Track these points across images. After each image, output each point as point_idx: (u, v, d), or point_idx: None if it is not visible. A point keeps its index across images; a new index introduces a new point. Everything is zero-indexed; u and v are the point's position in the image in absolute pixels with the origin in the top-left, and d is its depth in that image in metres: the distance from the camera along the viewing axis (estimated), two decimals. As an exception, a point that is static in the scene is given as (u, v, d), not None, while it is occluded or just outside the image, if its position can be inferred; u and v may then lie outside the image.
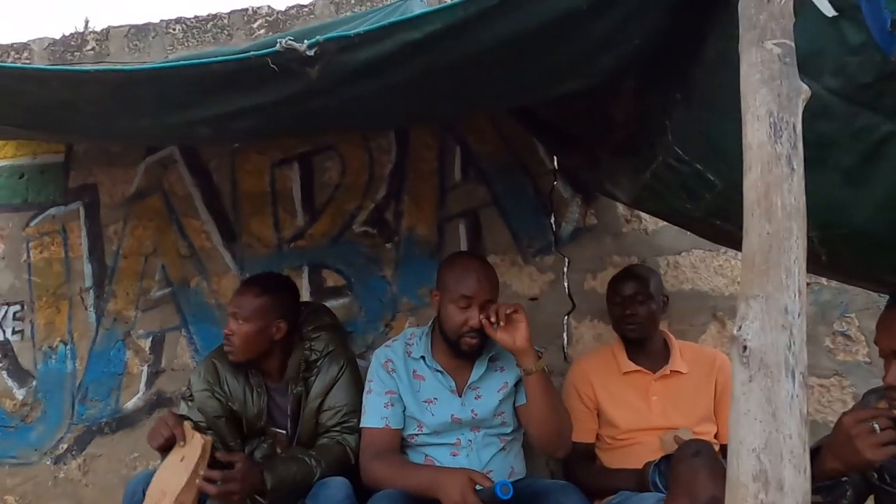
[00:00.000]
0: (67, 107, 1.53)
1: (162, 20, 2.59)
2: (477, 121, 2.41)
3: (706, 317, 2.29)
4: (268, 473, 1.61)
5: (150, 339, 2.50)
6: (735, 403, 0.77)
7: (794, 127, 0.84)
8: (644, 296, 1.89)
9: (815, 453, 1.20)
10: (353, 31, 1.12)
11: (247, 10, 2.55)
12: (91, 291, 2.54)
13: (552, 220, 2.38)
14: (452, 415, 1.74)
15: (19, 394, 2.54)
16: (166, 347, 2.49)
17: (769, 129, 0.83)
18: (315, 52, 1.10)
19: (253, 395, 1.85)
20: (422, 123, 2.35)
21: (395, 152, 2.46)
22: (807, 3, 0.97)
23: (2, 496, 2.51)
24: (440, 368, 1.78)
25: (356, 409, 1.82)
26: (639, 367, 1.91)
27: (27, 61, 2.62)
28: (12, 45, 2.69)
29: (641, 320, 1.88)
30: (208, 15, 2.58)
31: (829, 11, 0.96)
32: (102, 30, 2.65)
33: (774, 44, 0.86)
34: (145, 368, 2.49)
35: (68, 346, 2.53)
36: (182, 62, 1.30)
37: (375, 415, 1.74)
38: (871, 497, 1.47)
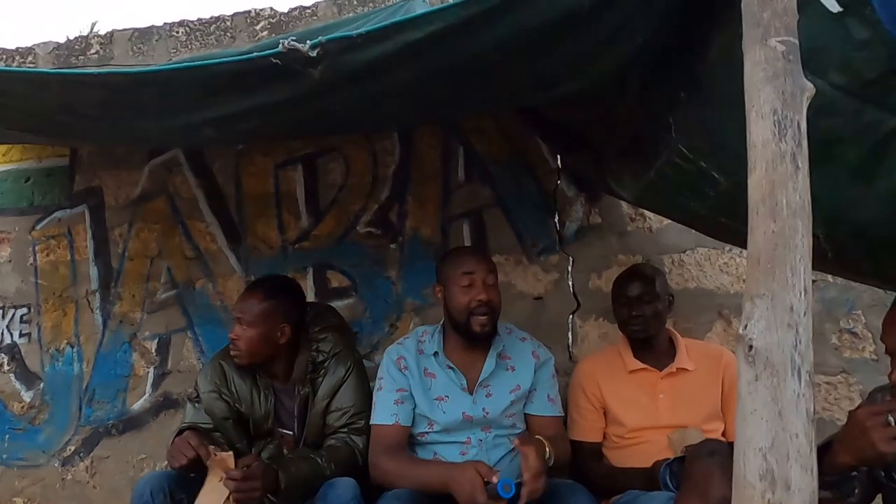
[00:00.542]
0: (72, 110, 1.54)
1: (165, 23, 2.60)
2: (480, 121, 2.41)
3: (711, 315, 2.28)
4: (282, 473, 1.62)
5: (157, 340, 2.51)
6: (741, 403, 0.77)
7: (798, 125, 0.83)
8: (650, 296, 1.89)
9: (826, 448, 1.20)
10: (355, 32, 1.12)
11: (249, 12, 2.56)
12: (97, 294, 2.56)
13: (556, 219, 2.38)
14: (464, 412, 1.74)
15: (27, 396, 2.56)
16: (172, 349, 2.50)
17: (774, 127, 0.83)
18: (318, 53, 1.10)
19: (260, 396, 1.86)
20: (425, 124, 2.36)
21: (398, 153, 2.46)
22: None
23: (10, 498, 2.53)
24: (452, 365, 1.78)
25: (363, 411, 1.82)
26: (645, 366, 1.90)
27: (32, 65, 2.64)
28: (17, 49, 2.70)
29: (648, 320, 1.88)
30: (211, 17, 2.59)
31: (835, 7, 0.95)
32: (106, 33, 2.66)
33: (778, 41, 0.85)
34: (151, 370, 2.50)
35: (75, 349, 2.55)
36: (185, 64, 1.30)
37: (385, 411, 1.74)
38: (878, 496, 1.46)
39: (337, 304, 2.35)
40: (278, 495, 1.64)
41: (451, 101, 1.57)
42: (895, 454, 1.14)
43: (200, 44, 2.56)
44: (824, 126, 1.03)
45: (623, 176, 1.76)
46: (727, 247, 2.27)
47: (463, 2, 1.07)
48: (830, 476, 1.22)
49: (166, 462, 1.79)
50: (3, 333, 2.60)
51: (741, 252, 2.23)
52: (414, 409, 1.76)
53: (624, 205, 2.33)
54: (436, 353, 1.80)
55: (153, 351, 2.51)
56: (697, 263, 2.32)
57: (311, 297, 2.40)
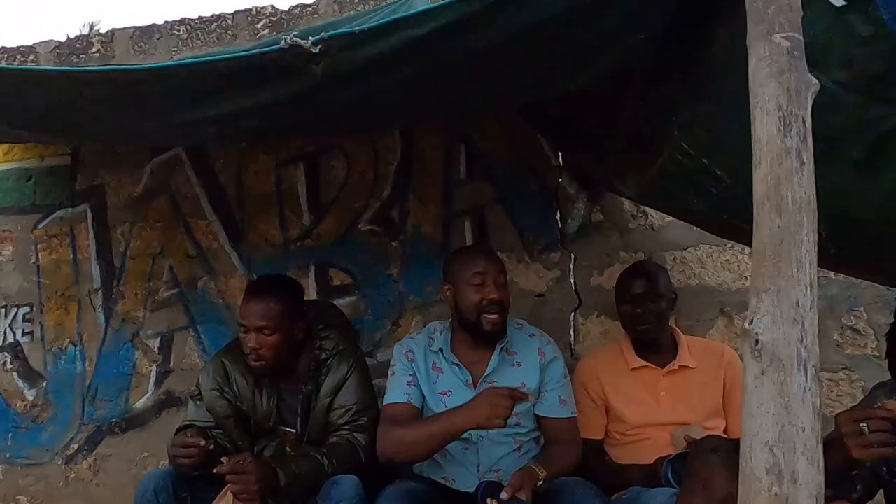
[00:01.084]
0: (74, 108, 1.54)
1: (166, 22, 2.60)
2: (482, 119, 2.40)
3: (714, 312, 2.28)
4: (281, 471, 1.62)
5: (159, 339, 2.52)
6: (747, 397, 0.77)
7: (803, 120, 0.83)
8: (654, 294, 1.88)
9: (825, 447, 1.21)
10: (357, 28, 1.12)
11: (251, 10, 2.56)
12: (99, 293, 2.56)
13: (558, 216, 2.38)
14: None
15: (30, 395, 2.57)
16: (175, 347, 2.51)
17: (778, 123, 0.83)
18: (320, 49, 1.10)
19: (262, 394, 1.86)
20: (428, 121, 2.35)
21: (400, 151, 2.46)
22: (814, -5, 0.96)
23: (14, 496, 2.53)
24: (457, 362, 1.79)
25: (366, 408, 1.83)
26: (647, 363, 1.91)
27: (33, 64, 2.64)
28: (18, 48, 2.70)
29: (651, 318, 1.87)
30: (212, 16, 2.59)
31: (838, 1, 0.95)
32: (107, 32, 2.66)
33: (783, 37, 0.85)
34: (154, 368, 2.51)
35: (77, 347, 2.55)
36: (188, 61, 1.30)
37: (398, 391, 1.75)
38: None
39: (339, 301, 2.36)
40: (279, 493, 1.64)
41: (454, 98, 1.57)
42: (870, 460, 1.17)
43: (201, 42, 2.56)
44: (828, 122, 1.02)
45: (625, 173, 1.76)
46: (729, 244, 2.27)
47: (465, -2, 1.06)
48: (830, 474, 1.23)
49: (168, 460, 1.80)
50: (5, 332, 2.60)
51: (743, 249, 2.23)
52: (423, 396, 1.77)
53: (626, 202, 2.33)
54: (441, 350, 1.81)
55: (155, 349, 2.52)
56: (699, 260, 2.32)
57: (313, 294, 2.41)
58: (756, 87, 0.87)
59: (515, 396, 1.55)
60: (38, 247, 2.62)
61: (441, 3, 1.08)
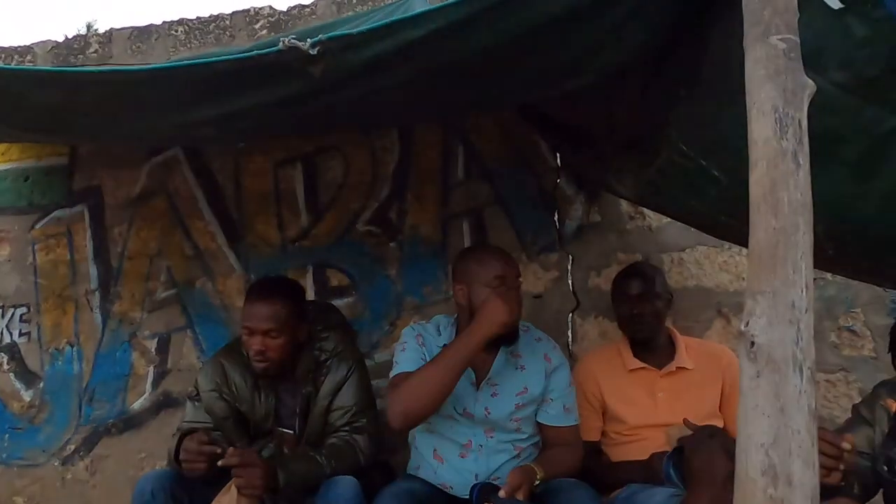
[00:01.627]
0: (71, 108, 1.54)
1: (164, 22, 2.60)
2: (480, 119, 2.41)
3: (711, 313, 2.29)
4: (281, 471, 1.61)
5: (156, 339, 2.51)
6: (743, 399, 0.77)
7: (799, 122, 0.83)
8: (650, 294, 1.89)
9: None
10: (355, 30, 1.12)
11: (249, 10, 2.56)
12: (97, 293, 2.55)
13: (556, 217, 2.38)
14: (465, 408, 1.72)
15: (26, 395, 2.56)
16: (172, 348, 2.50)
17: (775, 125, 0.83)
18: (318, 51, 1.10)
19: (261, 395, 1.85)
20: (426, 122, 2.36)
21: (398, 151, 2.46)
22: (811, -3, 0.97)
23: (10, 497, 2.53)
24: None
25: (365, 409, 1.83)
26: (644, 364, 1.91)
27: (31, 64, 2.63)
28: (16, 48, 2.70)
29: (648, 319, 1.88)
30: (210, 16, 2.59)
31: (835, 4, 0.95)
32: (105, 32, 2.66)
33: (779, 39, 0.85)
34: (151, 369, 2.50)
35: (75, 348, 2.54)
36: (185, 62, 1.30)
37: (409, 362, 1.69)
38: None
39: (337, 302, 2.35)
40: (278, 493, 1.64)
41: (451, 98, 1.58)
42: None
43: (199, 42, 2.56)
44: (824, 124, 1.03)
45: (623, 174, 1.76)
46: (727, 245, 2.27)
47: (463, 0, 1.07)
48: None
49: (166, 461, 1.79)
50: (2, 333, 2.59)
51: (741, 250, 2.23)
52: None
53: (623, 203, 2.33)
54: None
55: (153, 350, 2.51)
56: (697, 262, 2.32)
57: (311, 295, 2.40)
58: (752, 88, 0.87)
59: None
60: (36, 247, 2.61)
61: (438, 5, 1.09)
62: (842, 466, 1.20)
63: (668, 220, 2.25)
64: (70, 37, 2.68)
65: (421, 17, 1.10)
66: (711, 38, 1.16)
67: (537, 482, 1.58)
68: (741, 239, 1.14)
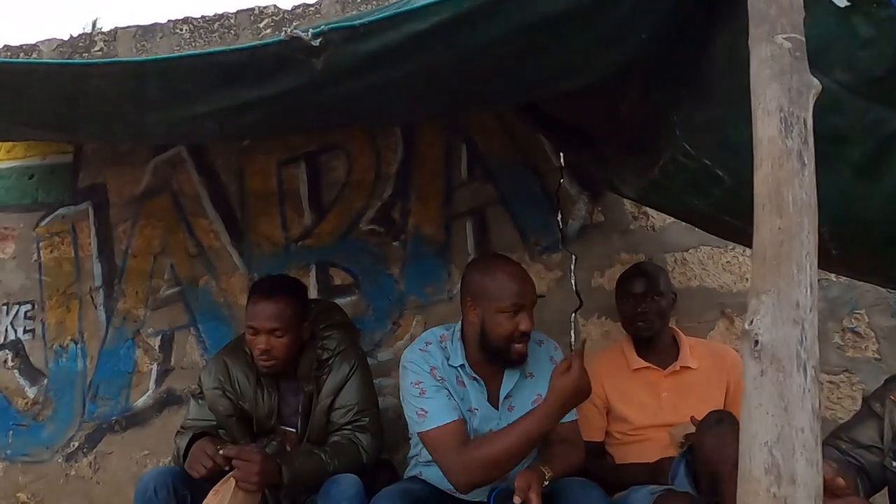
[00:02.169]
0: (75, 103, 1.54)
1: (169, 20, 2.61)
2: (483, 119, 2.41)
3: (714, 314, 2.28)
4: (285, 466, 1.62)
5: (160, 337, 2.52)
6: (747, 398, 0.77)
7: (805, 122, 0.83)
8: (654, 293, 1.89)
9: None
10: (358, 22, 1.11)
11: (253, 9, 2.56)
12: (101, 290, 2.56)
13: (559, 217, 2.38)
14: (490, 430, 1.67)
15: (31, 392, 2.57)
16: (176, 346, 2.51)
17: (780, 125, 0.83)
18: (320, 43, 1.09)
19: (264, 393, 1.86)
20: (427, 118, 2.35)
21: (401, 150, 2.46)
22: (817, -4, 0.96)
23: (14, 493, 2.54)
24: (477, 377, 1.71)
25: (367, 408, 1.83)
26: (648, 364, 1.91)
27: (36, 62, 2.64)
28: (21, 46, 2.71)
29: (652, 318, 1.88)
30: (215, 15, 2.59)
31: (841, 2, 0.95)
32: (110, 31, 2.66)
33: (785, 38, 0.85)
34: (155, 367, 2.51)
35: (79, 345, 2.55)
36: (188, 53, 1.30)
37: (445, 410, 1.60)
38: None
39: (340, 301, 2.35)
40: (281, 489, 1.64)
41: (455, 95, 1.57)
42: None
43: (204, 41, 2.56)
44: (829, 124, 1.03)
45: (626, 174, 1.76)
46: (730, 245, 2.26)
47: (467, -7, 1.06)
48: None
49: (170, 458, 1.80)
50: (7, 330, 2.60)
51: (744, 251, 2.23)
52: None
53: (627, 203, 2.33)
54: (462, 366, 1.72)
55: (156, 347, 2.52)
56: (700, 262, 2.31)
57: (313, 294, 2.41)
58: (758, 87, 0.87)
59: (581, 358, 1.51)
60: (40, 244, 2.62)
61: (442, -2, 1.08)
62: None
63: (672, 220, 2.25)
64: (75, 35, 2.69)
65: (424, 10, 1.09)
66: (716, 36, 1.16)
67: (546, 482, 1.57)
68: (745, 239, 1.14)
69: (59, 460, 2.52)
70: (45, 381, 2.56)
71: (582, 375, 1.49)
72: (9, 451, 2.56)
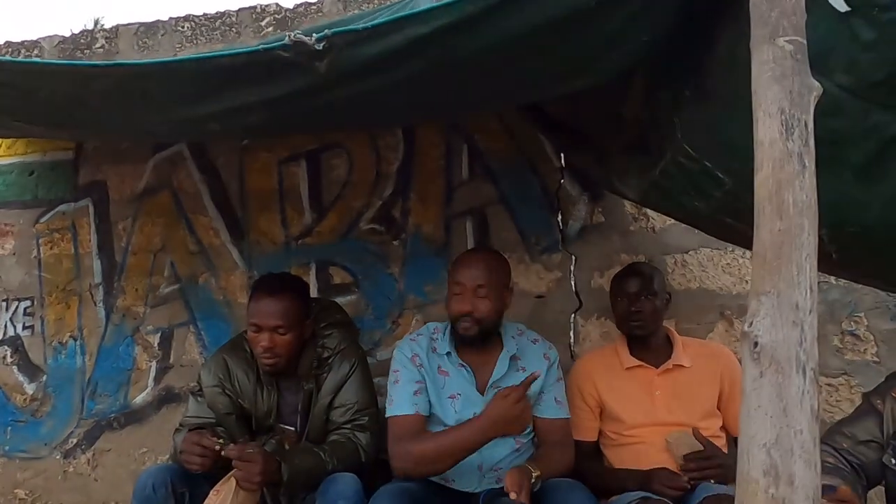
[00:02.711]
0: (77, 102, 1.54)
1: (171, 18, 2.61)
2: (484, 119, 2.41)
3: (714, 315, 2.28)
4: (285, 465, 1.62)
5: (159, 334, 2.52)
6: (746, 399, 0.77)
7: (805, 124, 0.84)
8: (648, 292, 1.89)
9: None
10: (361, 26, 1.12)
11: (255, 7, 2.56)
12: (100, 287, 2.56)
13: (559, 217, 2.38)
14: (474, 413, 1.72)
15: (29, 388, 2.57)
16: (175, 343, 2.51)
17: (781, 127, 0.83)
18: (324, 46, 1.10)
19: (263, 392, 1.86)
20: (430, 120, 2.36)
21: (402, 150, 2.47)
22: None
23: (12, 489, 2.54)
24: (464, 364, 1.79)
25: (367, 407, 1.83)
26: (641, 362, 1.91)
27: (38, 58, 2.64)
28: (23, 42, 2.71)
29: (646, 317, 1.88)
30: (217, 13, 2.59)
31: (842, 7, 0.95)
32: (112, 28, 2.66)
33: (786, 41, 0.86)
34: (154, 364, 2.51)
35: (78, 342, 2.55)
36: (192, 56, 1.30)
37: (405, 402, 1.72)
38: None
39: (339, 300, 2.35)
40: (280, 487, 1.64)
41: (457, 97, 1.57)
42: None
43: (206, 39, 2.56)
44: (830, 127, 1.03)
45: (627, 175, 1.76)
46: (730, 247, 2.27)
47: (470, -3, 1.07)
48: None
49: (168, 455, 1.80)
50: (6, 326, 2.61)
51: (744, 253, 2.23)
52: (429, 403, 1.75)
53: (627, 204, 2.33)
54: (448, 353, 1.79)
55: (155, 345, 2.52)
56: (700, 264, 2.32)
57: (314, 292, 2.41)
58: (759, 90, 0.87)
59: (525, 390, 1.61)
60: (40, 241, 2.63)
61: (446, 2, 1.09)
62: None
63: (672, 221, 2.25)
64: (77, 32, 2.69)
65: (427, 14, 1.10)
66: (717, 39, 1.16)
67: (534, 481, 1.60)
68: (745, 241, 1.14)
69: (58, 457, 2.52)
70: (44, 377, 2.56)
71: (516, 404, 1.60)
72: (7, 448, 2.56)
